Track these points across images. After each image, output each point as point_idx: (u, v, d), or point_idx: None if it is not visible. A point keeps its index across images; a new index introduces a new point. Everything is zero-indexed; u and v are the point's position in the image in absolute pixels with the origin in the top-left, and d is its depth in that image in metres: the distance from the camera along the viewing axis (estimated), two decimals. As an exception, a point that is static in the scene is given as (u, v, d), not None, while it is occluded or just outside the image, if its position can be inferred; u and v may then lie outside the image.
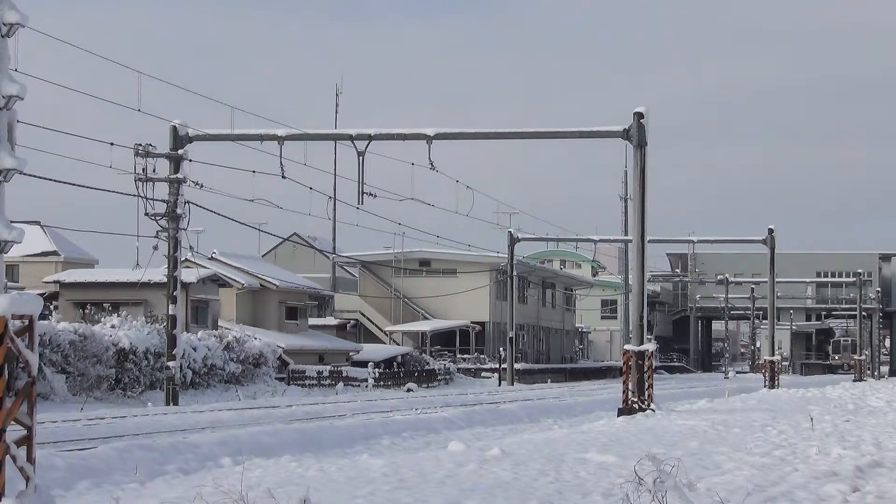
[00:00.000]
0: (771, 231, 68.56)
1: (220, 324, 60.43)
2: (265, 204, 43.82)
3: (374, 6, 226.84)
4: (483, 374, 78.59)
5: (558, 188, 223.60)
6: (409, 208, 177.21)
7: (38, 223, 65.86)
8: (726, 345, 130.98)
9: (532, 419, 37.74)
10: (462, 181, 46.09)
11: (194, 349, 50.38)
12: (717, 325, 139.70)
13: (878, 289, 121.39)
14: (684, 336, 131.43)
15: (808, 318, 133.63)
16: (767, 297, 71.26)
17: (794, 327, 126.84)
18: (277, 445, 24.49)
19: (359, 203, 41.93)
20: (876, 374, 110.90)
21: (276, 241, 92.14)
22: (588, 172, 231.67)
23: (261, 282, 67.06)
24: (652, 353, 36.12)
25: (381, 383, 62.14)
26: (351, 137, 40.83)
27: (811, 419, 26.94)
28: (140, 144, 39.90)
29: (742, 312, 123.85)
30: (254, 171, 42.02)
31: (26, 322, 12.58)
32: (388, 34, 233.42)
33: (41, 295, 24.06)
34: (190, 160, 41.35)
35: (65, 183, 37.59)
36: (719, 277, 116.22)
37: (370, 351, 70.36)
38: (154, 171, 40.03)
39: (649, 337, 45.53)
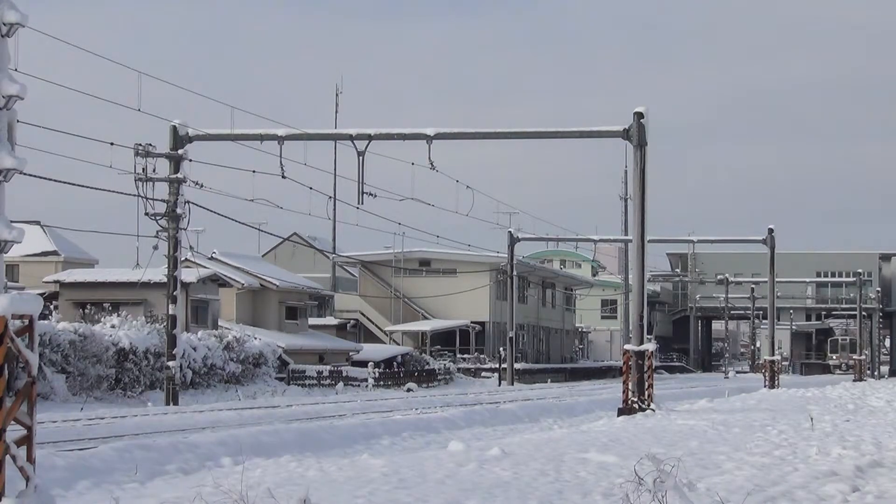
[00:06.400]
0: (771, 231, 68.58)
1: (220, 324, 60.41)
2: (265, 204, 43.85)
3: (373, 6, 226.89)
4: (483, 373, 78.58)
5: (558, 188, 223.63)
6: (409, 208, 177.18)
7: (38, 223, 65.86)
8: (726, 345, 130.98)
9: (532, 419, 37.75)
10: (462, 181, 46.16)
11: (194, 349, 50.37)
12: (717, 325, 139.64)
13: (878, 289, 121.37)
14: (684, 336, 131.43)
15: (808, 318, 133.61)
16: (767, 297, 71.27)
17: (794, 327, 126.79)
18: (277, 445, 24.49)
19: (359, 203, 41.97)
20: (876, 374, 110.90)
21: (276, 241, 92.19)
22: (588, 172, 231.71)
23: (261, 282, 67.06)
24: (652, 353, 36.11)
25: (381, 383, 62.14)
26: (351, 137, 40.83)
27: (811, 419, 26.96)
28: (140, 144, 39.89)
29: (742, 312, 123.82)
30: (254, 171, 42.07)
31: (26, 322, 12.58)
32: (388, 34, 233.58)
33: (41, 295, 24.07)
34: (190, 160, 41.36)
35: (65, 183, 37.64)
36: (719, 277, 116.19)
37: (370, 351, 70.35)
38: (154, 171, 40.02)
39: (649, 337, 45.51)
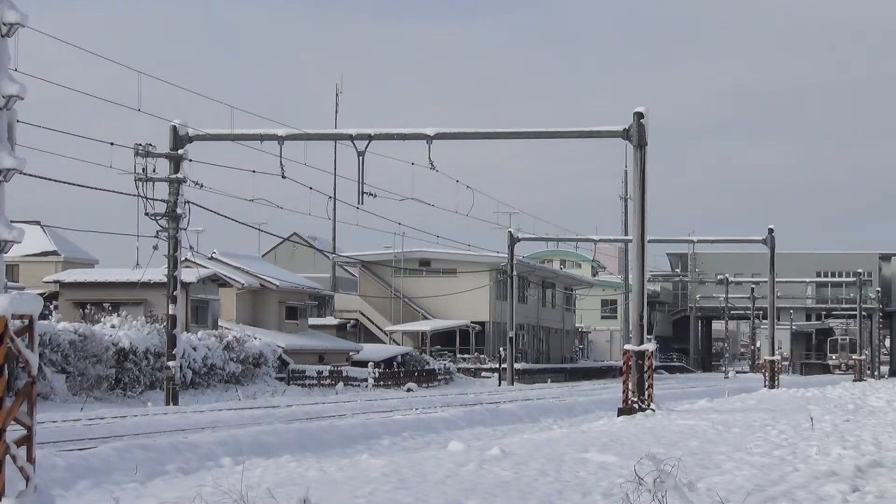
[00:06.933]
0: (771, 231, 68.58)
1: (220, 324, 60.41)
2: (265, 204, 43.88)
3: (374, 6, 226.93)
4: (483, 373, 78.57)
5: (558, 188, 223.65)
6: (409, 208, 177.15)
7: (38, 223, 65.86)
8: (726, 345, 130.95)
9: (532, 419, 37.77)
10: (462, 181, 46.16)
11: (194, 349, 50.37)
12: (717, 325, 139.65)
13: (878, 289, 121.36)
14: (684, 336, 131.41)
15: (808, 318, 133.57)
16: (767, 297, 71.26)
17: (794, 327, 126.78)
18: (277, 445, 24.50)
19: (359, 203, 41.96)
20: (876, 374, 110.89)
21: (276, 241, 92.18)
22: (588, 172, 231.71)
23: (261, 282, 67.05)
24: (652, 352, 36.11)
25: (381, 383, 62.14)
26: (351, 137, 40.82)
27: (811, 419, 26.95)
28: (140, 144, 39.89)
29: (742, 312, 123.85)
30: (254, 171, 42.07)
31: (26, 322, 12.58)
32: (388, 34, 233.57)
33: (41, 295, 24.07)
34: (190, 160, 41.35)
35: (65, 183, 37.63)
36: (719, 277, 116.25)
37: (370, 351, 70.36)
38: (154, 170, 40.01)
39: (649, 337, 45.50)
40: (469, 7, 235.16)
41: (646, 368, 35.29)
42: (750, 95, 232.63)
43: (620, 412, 34.40)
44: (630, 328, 42.83)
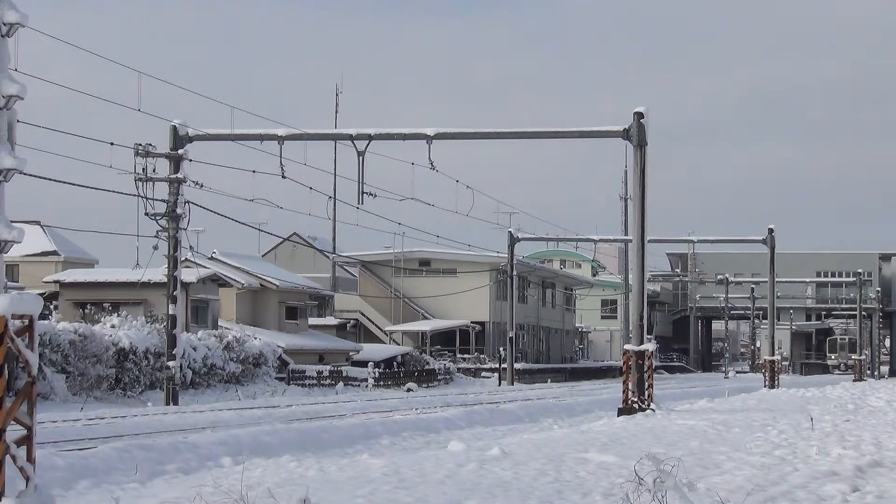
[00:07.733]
0: (771, 231, 68.57)
1: (220, 324, 60.41)
2: (265, 204, 43.89)
3: (374, 6, 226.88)
4: (483, 373, 78.57)
5: (558, 188, 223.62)
6: (409, 208, 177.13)
7: (38, 223, 65.85)
8: (726, 345, 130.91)
9: (532, 419, 37.78)
10: (462, 181, 46.16)
11: (194, 349, 50.37)
12: (717, 325, 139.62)
13: (878, 289, 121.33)
14: (684, 336, 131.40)
15: (808, 318, 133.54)
16: (767, 297, 71.27)
17: (794, 327, 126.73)
18: (277, 445, 24.51)
19: (359, 203, 41.95)
20: (876, 374, 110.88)
21: (276, 241, 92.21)
22: (588, 172, 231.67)
23: (261, 282, 67.07)
24: (652, 352, 36.10)
25: (381, 383, 62.14)
26: (351, 137, 40.82)
27: (811, 419, 26.93)
28: (140, 144, 39.89)
29: (742, 312, 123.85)
30: (254, 171, 42.08)
31: (26, 322, 12.58)
32: (388, 33, 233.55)
33: (41, 295, 24.09)
34: (190, 160, 41.34)
35: (65, 183, 37.62)
36: (719, 277, 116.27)
37: (370, 351, 70.35)
38: (154, 170, 40.02)
39: (649, 337, 45.51)
40: (470, 7, 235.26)
41: (646, 368, 35.29)
42: (750, 95, 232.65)
43: (620, 412, 34.40)
44: (630, 328, 42.83)
